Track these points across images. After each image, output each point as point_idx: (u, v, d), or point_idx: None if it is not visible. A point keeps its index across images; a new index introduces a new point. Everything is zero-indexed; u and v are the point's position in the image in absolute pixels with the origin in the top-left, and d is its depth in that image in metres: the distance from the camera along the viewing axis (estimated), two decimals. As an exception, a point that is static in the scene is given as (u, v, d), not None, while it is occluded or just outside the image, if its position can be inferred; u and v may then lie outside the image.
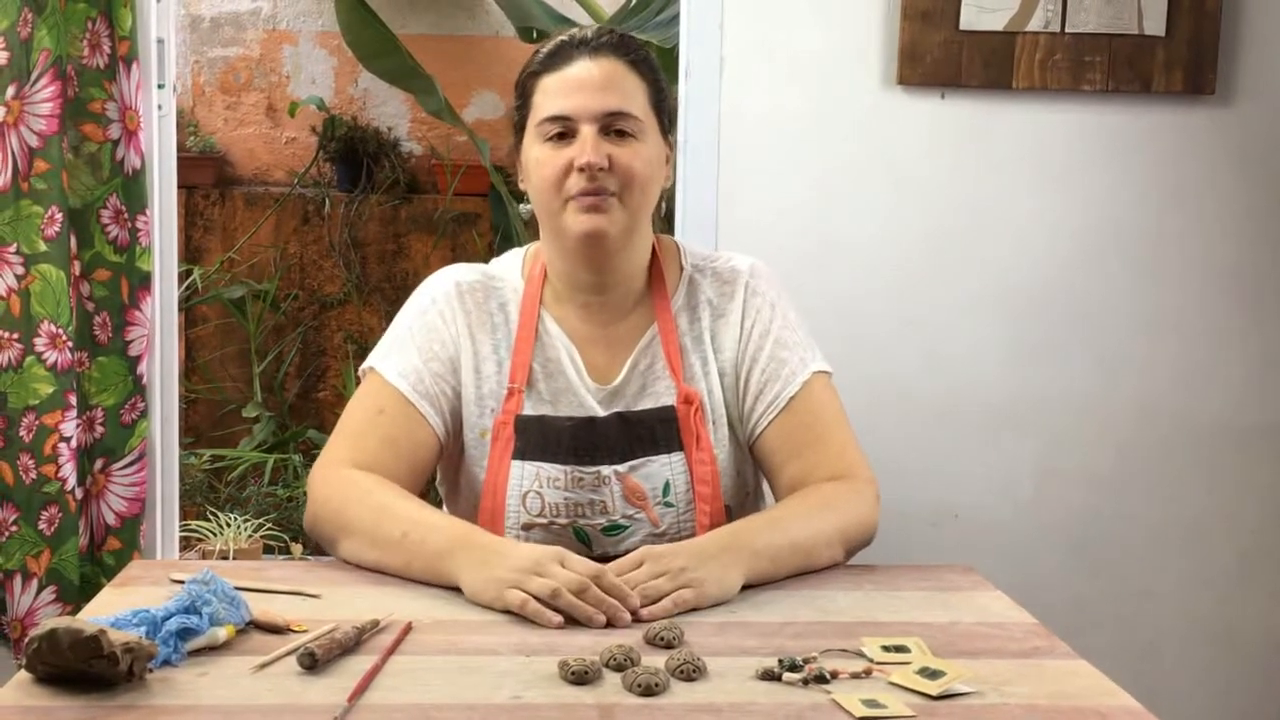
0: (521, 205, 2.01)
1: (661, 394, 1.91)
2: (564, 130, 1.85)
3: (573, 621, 1.57)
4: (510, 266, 1.99)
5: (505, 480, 1.86)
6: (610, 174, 1.83)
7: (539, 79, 1.89)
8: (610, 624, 1.58)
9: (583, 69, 1.87)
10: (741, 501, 1.97)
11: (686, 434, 1.88)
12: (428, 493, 1.94)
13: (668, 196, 2.00)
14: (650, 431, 1.88)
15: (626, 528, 1.86)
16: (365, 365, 1.94)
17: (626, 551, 1.87)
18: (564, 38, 1.92)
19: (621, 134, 1.85)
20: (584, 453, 1.86)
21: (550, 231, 1.91)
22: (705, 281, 1.97)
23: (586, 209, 1.83)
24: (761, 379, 1.92)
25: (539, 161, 1.87)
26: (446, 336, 1.92)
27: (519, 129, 1.94)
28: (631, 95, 1.87)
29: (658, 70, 1.94)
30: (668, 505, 1.87)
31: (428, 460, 1.90)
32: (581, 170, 1.82)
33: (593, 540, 1.88)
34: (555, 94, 1.86)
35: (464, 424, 1.92)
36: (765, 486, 2.00)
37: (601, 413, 1.89)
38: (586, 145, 1.83)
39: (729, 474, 1.93)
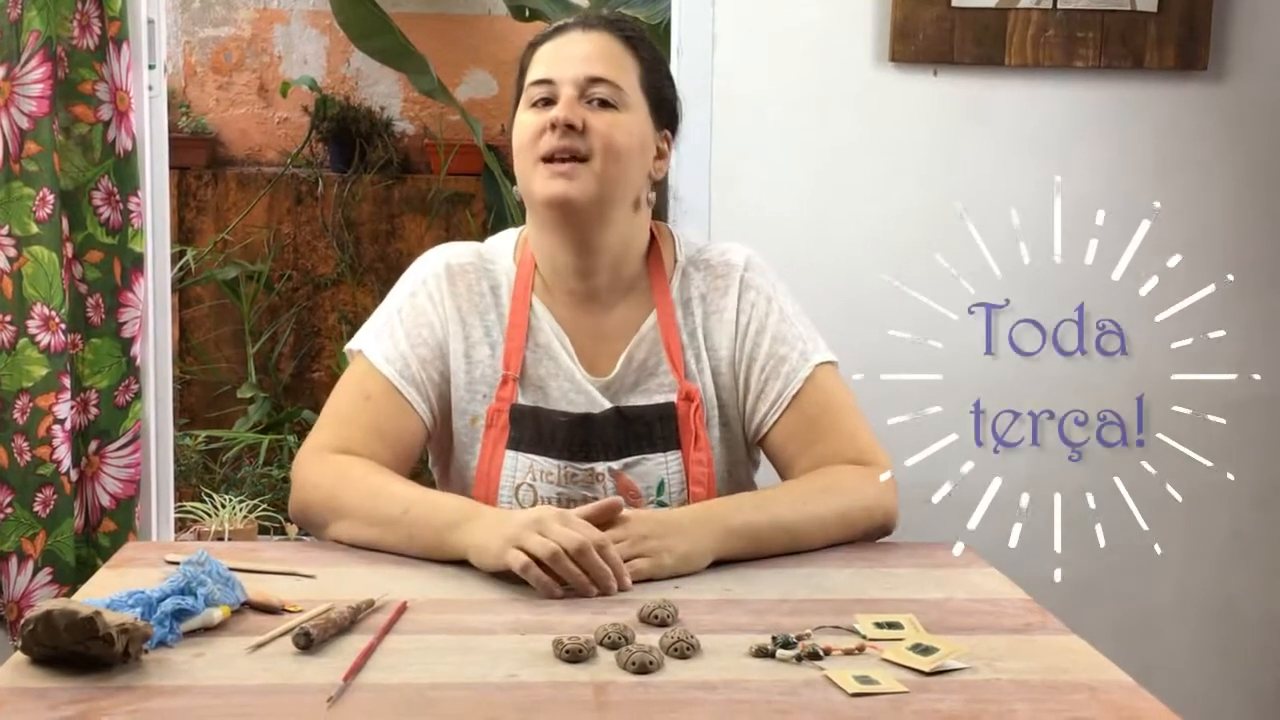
0: (515, 187, 1.98)
1: (656, 390, 1.89)
2: (548, 96, 1.84)
3: (570, 593, 1.57)
4: (504, 249, 1.96)
5: (499, 470, 1.84)
6: (583, 136, 1.81)
7: (535, 50, 1.91)
8: (601, 592, 1.57)
9: (573, 38, 1.88)
10: None
11: (685, 432, 1.86)
12: (420, 475, 1.94)
13: (659, 184, 1.95)
14: (649, 429, 1.86)
15: None
16: (353, 345, 1.92)
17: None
18: (569, 19, 1.94)
19: (605, 104, 1.84)
20: (579, 449, 1.84)
21: (527, 202, 1.89)
22: (698, 275, 1.93)
23: (555, 174, 1.81)
24: (762, 377, 1.89)
25: (520, 124, 1.87)
26: (435, 320, 1.90)
27: (516, 105, 1.93)
28: (618, 66, 1.86)
29: (658, 57, 1.92)
30: (660, 504, 1.85)
31: (413, 447, 1.89)
32: (554, 128, 1.81)
33: None
34: (542, 60, 1.88)
35: (453, 409, 1.90)
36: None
37: (599, 406, 1.87)
38: (561, 105, 1.82)
39: (720, 474, 1.91)
